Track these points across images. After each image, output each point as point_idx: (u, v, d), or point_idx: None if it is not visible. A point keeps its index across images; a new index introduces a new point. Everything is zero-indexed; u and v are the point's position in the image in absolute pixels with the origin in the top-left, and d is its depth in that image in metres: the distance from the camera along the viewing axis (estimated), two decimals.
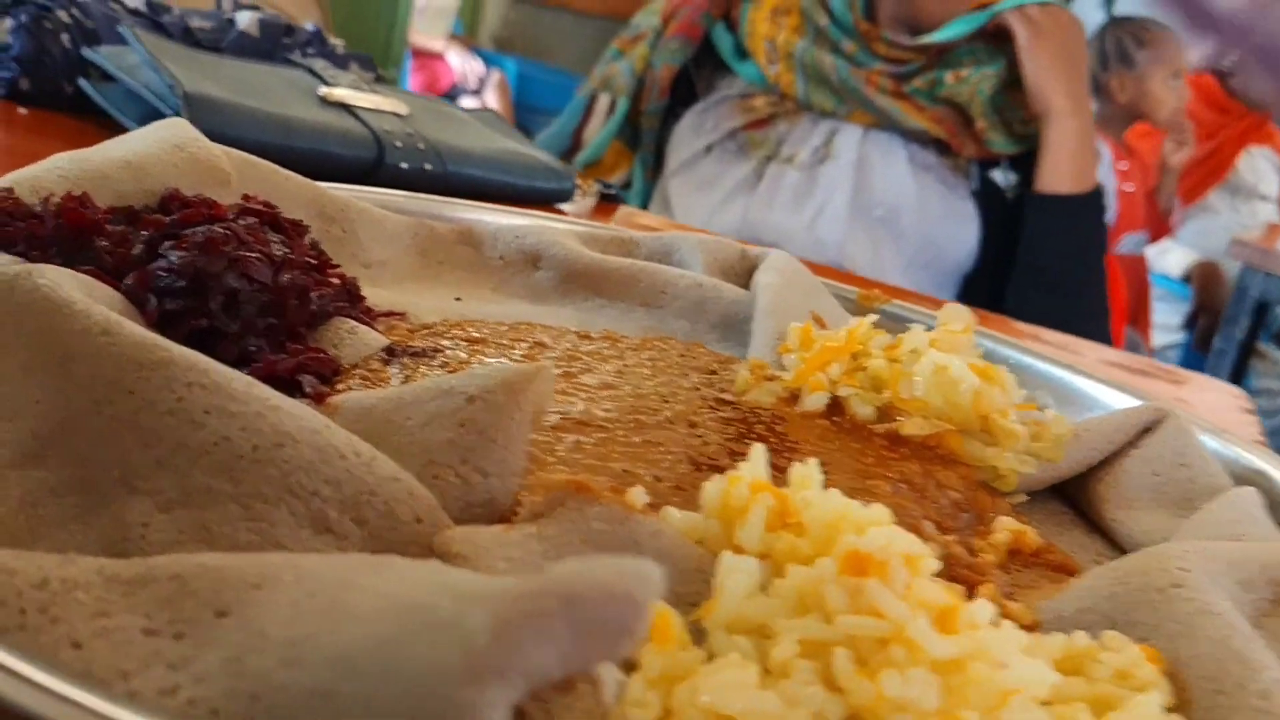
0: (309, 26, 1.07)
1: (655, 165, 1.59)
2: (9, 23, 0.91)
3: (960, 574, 0.41)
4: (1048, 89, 1.36)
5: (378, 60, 1.16)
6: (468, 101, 3.99)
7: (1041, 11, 1.38)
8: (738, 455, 0.45)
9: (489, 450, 0.36)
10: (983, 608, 0.31)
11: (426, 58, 4.21)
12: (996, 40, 1.40)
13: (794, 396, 0.54)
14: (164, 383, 0.33)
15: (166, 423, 0.33)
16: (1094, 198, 1.42)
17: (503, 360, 0.48)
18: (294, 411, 0.34)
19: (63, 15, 0.90)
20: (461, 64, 4.20)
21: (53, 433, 0.35)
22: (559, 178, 1.00)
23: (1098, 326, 1.36)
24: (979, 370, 0.53)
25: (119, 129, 0.86)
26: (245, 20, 1.01)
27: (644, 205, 1.58)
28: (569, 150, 1.57)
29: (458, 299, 0.63)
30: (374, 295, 0.56)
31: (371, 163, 0.85)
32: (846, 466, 0.48)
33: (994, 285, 1.49)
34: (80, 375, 0.34)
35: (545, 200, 0.99)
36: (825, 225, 1.47)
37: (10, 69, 0.90)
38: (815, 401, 0.53)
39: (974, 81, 1.39)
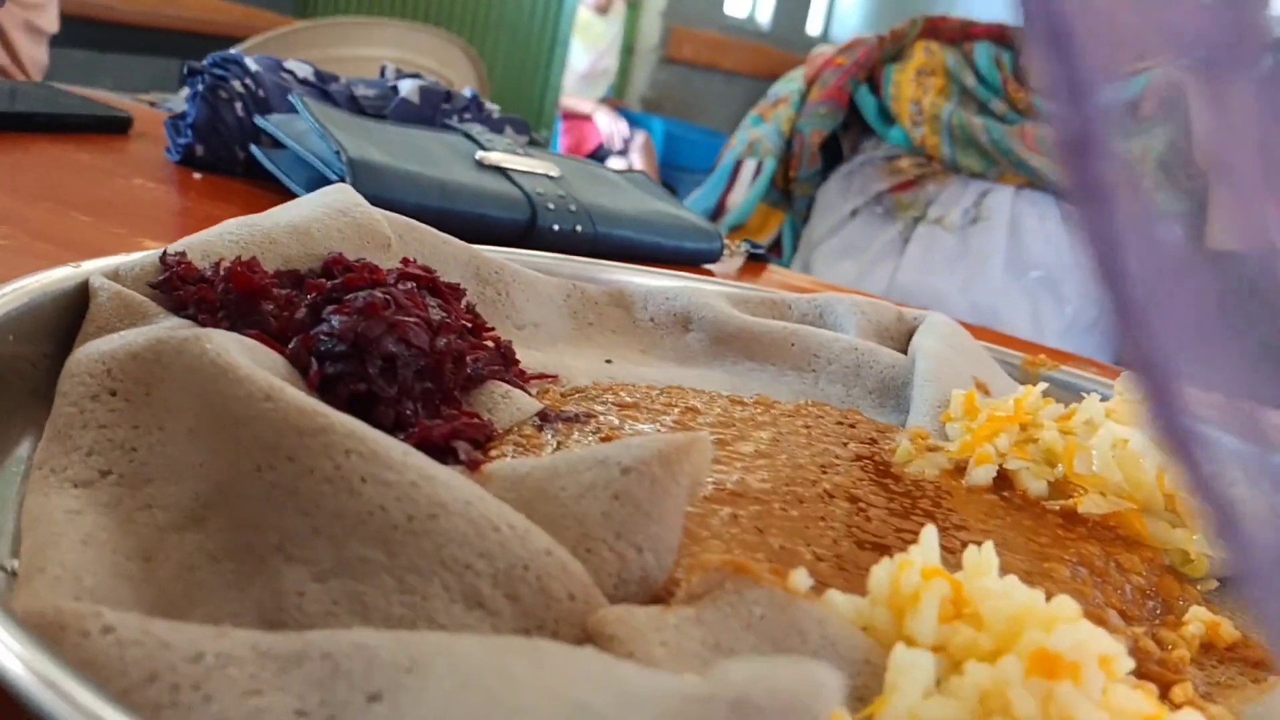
0: (467, 92, 1.09)
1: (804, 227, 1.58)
2: (186, 91, 0.96)
3: (1152, 671, 0.38)
4: None
5: (531, 123, 1.18)
6: (614, 162, 4.04)
7: None
8: (903, 533, 0.43)
9: (644, 524, 0.34)
10: (1188, 718, 0.28)
11: (575, 120, 4.30)
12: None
13: (959, 469, 0.51)
14: (323, 449, 0.33)
15: (324, 490, 0.32)
16: None
17: (657, 426, 0.47)
18: (449, 482, 0.33)
19: (237, 85, 0.94)
20: (609, 125, 4.26)
21: (213, 496, 0.35)
22: (708, 238, 0.99)
23: None
24: None
25: (288, 194, 0.89)
26: (407, 88, 1.04)
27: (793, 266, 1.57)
28: (713, 217, 1.56)
29: (608, 361, 0.62)
30: (527, 357, 0.56)
31: (525, 225, 0.86)
32: (1019, 546, 0.45)
33: None
34: (242, 439, 0.34)
35: (694, 261, 0.99)
36: (980, 288, 1.42)
37: (187, 136, 0.94)
38: (983, 475, 0.50)
39: (1144, 141, 1.33)
